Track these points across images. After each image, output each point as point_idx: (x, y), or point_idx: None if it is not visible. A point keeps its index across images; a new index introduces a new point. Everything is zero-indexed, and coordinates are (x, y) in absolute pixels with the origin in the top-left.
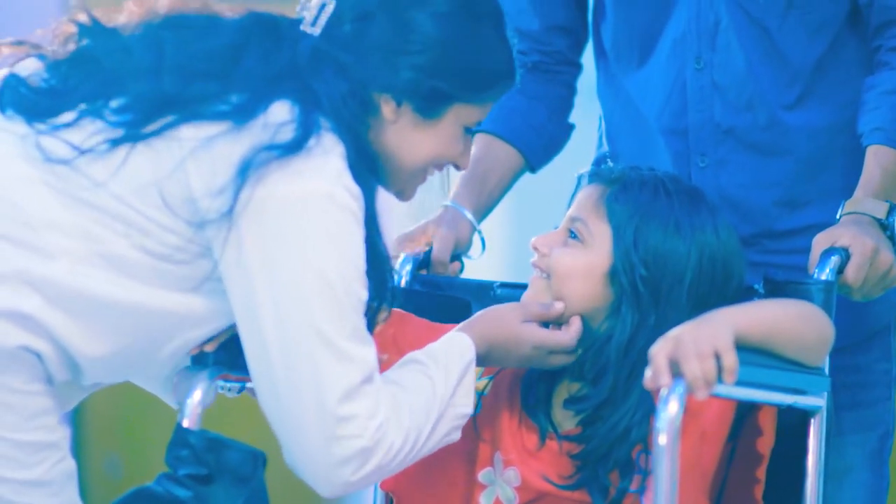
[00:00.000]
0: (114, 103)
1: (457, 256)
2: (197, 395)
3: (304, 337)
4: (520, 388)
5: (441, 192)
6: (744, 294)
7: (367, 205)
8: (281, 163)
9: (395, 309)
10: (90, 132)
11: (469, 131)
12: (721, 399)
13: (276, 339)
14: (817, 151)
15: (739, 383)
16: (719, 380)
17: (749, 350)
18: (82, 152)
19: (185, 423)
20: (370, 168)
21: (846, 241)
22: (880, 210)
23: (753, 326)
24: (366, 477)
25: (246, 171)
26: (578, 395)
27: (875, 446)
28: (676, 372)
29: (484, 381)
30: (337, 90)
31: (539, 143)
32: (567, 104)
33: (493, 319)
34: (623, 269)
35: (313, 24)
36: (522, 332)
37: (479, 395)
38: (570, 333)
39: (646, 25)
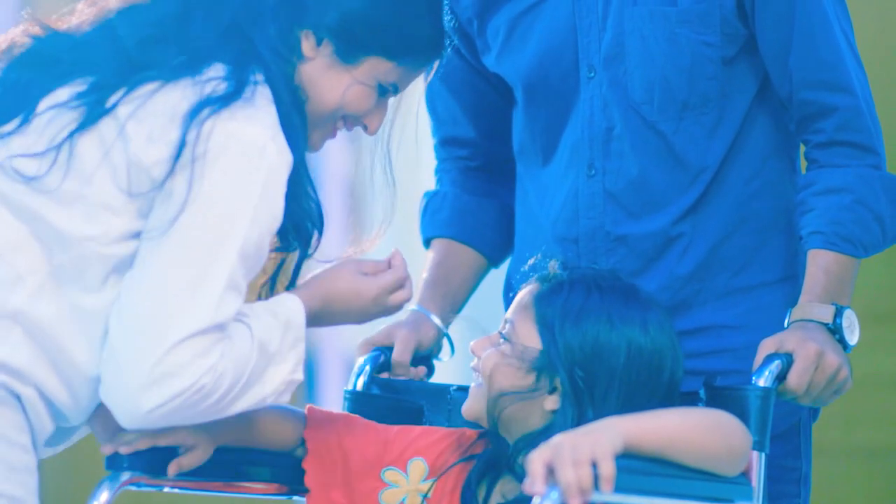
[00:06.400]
0: (79, 87)
1: (425, 359)
2: (103, 498)
3: (197, 264)
4: (460, 487)
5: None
6: (684, 398)
7: (299, 148)
8: (221, 112)
9: (342, 412)
10: (40, 133)
11: (383, 93)
12: None
13: (170, 253)
14: (712, 253)
15: (627, 491)
16: (596, 488)
17: (642, 459)
18: (55, 158)
19: None
20: (299, 111)
21: (791, 346)
22: (826, 314)
23: (646, 435)
24: (167, 406)
25: (189, 122)
26: (512, 497)
27: None
28: (554, 479)
29: (428, 484)
30: (270, 34)
31: (494, 238)
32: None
33: (329, 277)
34: (550, 366)
35: None
36: (360, 284)
37: (424, 496)
38: (396, 262)
39: (546, 129)
